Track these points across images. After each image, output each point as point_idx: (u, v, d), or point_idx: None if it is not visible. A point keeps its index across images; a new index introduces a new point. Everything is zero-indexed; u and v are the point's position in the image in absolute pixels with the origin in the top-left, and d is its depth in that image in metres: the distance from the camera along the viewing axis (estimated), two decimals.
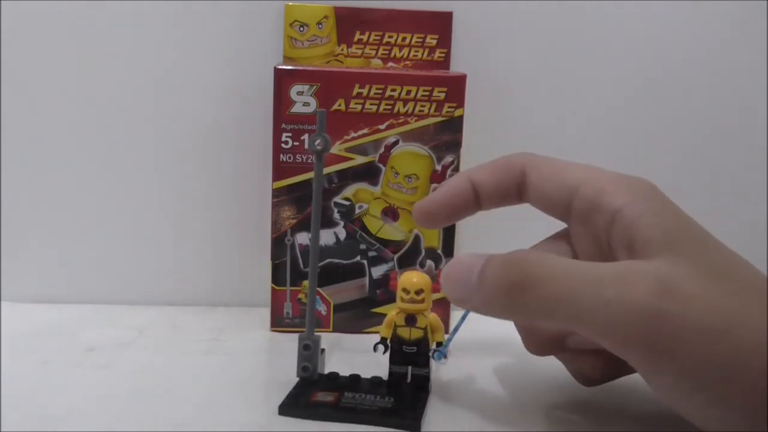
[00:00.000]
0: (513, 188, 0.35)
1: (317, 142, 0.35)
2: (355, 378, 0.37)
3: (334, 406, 0.34)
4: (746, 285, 0.28)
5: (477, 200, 0.36)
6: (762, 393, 0.26)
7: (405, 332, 0.36)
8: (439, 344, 0.36)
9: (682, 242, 0.29)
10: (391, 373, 0.36)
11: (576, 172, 0.33)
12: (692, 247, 0.29)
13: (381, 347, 0.36)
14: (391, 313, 0.36)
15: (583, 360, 0.35)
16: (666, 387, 0.28)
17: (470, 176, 0.36)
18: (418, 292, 0.35)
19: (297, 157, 0.43)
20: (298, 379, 0.36)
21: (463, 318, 0.35)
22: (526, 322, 0.34)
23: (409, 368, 0.36)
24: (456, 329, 0.36)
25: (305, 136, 0.43)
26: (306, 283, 0.44)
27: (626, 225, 0.30)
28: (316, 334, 0.36)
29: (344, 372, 0.37)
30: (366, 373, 0.37)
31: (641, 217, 0.30)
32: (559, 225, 0.36)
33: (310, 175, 0.43)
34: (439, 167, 0.44)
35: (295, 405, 0.34)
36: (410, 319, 0.35)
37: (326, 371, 0.37)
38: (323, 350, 0.37)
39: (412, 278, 0.35)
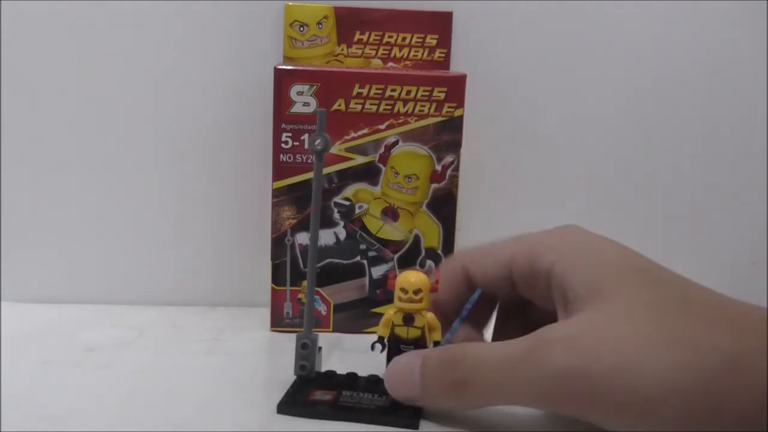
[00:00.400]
0: (463, 288, 0.37)
1: (317, 142, 0.35)
2: (352, 376, 0.37)
3: (332, 405, 0.34)
4: (676, 312, 0.29)
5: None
6: (695, 411, 0.27)
7: (402, 331, 0.35)
8: (436, 343, 0.36)
9: (604, 288, 0.31)
10: None
11: (506, 246, 0.36)
12: (615, 290, 0.30)
13: (378, 346, 0.36)
14: (389, 312, 0.36)
15: None
16: (618, 426, 0.29)
17: (433, 300, 0.37)
18: (416, 291, 0.35)
19: (297, 157, 0.43)
20: (295, 377, 0.36)
21: (461, 318, 0.35)
22: (473, 409, 0.35)
23: None
24: (453, 330, 0.36)
25: (305, 136, 0.43)
26: (306, 282, 0.44)
27: (558, 283, 0.32)
28: (313, 333, 0.36)
29: (342, 371, 0.37)
30: (365, 373, 0.37)
31: (567, 272, 0.32)
32: (554, 225, 0.36)
33: (310, 175, 0.43)
34: (439, 167, 0.44)
35: (293, 403, 0.34)
36: (408, 319, 0.35)
37: (324, 370, 0.37)
38: (320, 349, 0.37)
39: (410, 278, 0.35)
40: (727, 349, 0.27)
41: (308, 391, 0.35)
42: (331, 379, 0.37)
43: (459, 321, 0.36)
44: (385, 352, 0.36)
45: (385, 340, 0.36)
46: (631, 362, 0.28)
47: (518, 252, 0.35)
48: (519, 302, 0.37)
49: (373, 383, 0.36)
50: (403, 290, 0.35)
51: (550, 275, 0.33)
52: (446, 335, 0.36)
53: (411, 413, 0.34)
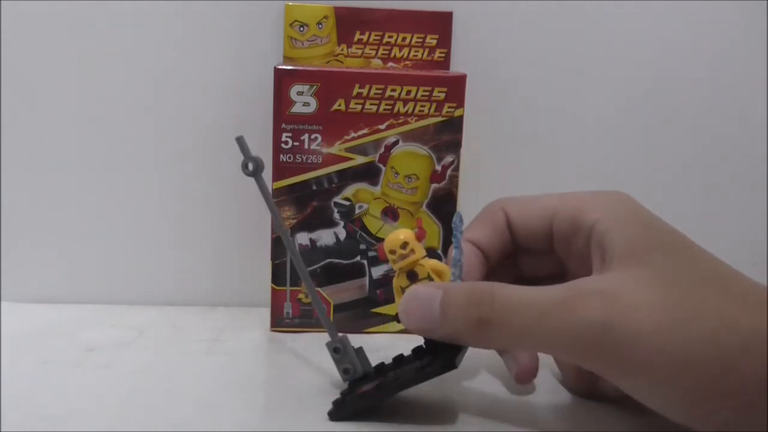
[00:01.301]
0: (505, 232, 0.37)
1: (249, 166, 0.35)
2: (398, 358, 0.36)
3: (376, 391, 0.33)
4: (707, 285, 0.30)
5: (486, 258, 0.37)
6: (712, 387, 0.27)
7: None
8: None
9: (643, 251, 0.31)
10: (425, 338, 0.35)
11: (551, 199, 0.36)
12: (653, 255, 0.31)
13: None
14: (394, 280, 0.35)
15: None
16: (633, 389, 0.30)
17: (468, 239, 0.37)
18: (403, 245, 0.34)
19: (297, 157, 0.43)
20: (346, 383, 0.36)
21: (457, 247, 0.34)
22: (492, 348, 0.35)
23: None
24: (457, 262, 0.34)
25: (305, 136, 0.43)
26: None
27: (599, 240, 0.32)
28: (340, 334, 0.36)
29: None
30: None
31: (610, 231, 0.32)
32: None
33: (310, 175, 0.44)
34: (439, 167, 0.44)
35: (342, 403, 0.34)
36: (411, 275, 0.35)
37: (326, 372, 0.37)
38: (360, 348, 0.36)
39: (392, 237, 0.35)
40: (749, 329, 0.27)
41: (357, 389, 0.34)
42: (379, 370, 0.35)
43: (457, 251, 0.34)
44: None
45: None
46: (661, 326, 0.28)
47: (563, 205, 0.35)
48: (540, 273, 0.37)
49: (417, 353, 0.35)
50: (392, 251, 0.34)
51: (591, 231, 0.33)
52: (453, 270, 0.35)
53: (447, 355, 0.33)
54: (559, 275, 0.36)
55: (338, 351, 0.35)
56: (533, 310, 0.30)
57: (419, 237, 0.35)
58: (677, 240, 0.32)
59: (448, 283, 0.34)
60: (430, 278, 0.35)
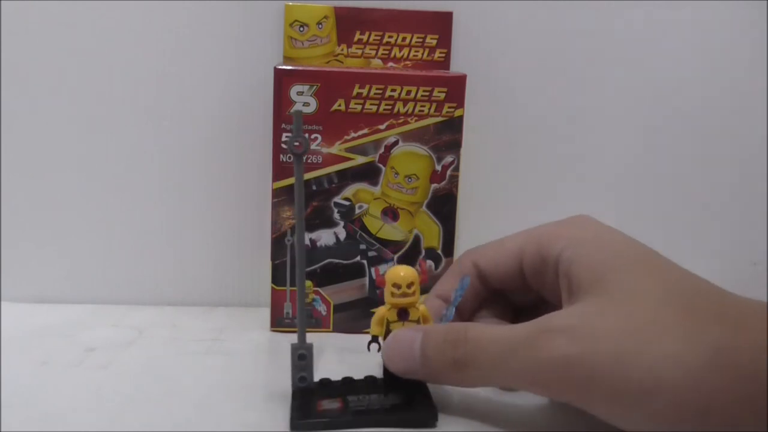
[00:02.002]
0: (476, 282, 0.38)
1: (296, 144, 0.34)
2: (348, 381, 0.36)
3: (345, 412, 0.33)
4: (671, 304, 0.30)
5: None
6: (682, 407, 0.27)
7: (398, 327, 0.35)
8: None
9: (607, 277, 0.31)
10: (386, 371, 0.36)
11: (517, 238, 0.36)
12: (617, 278, 0.31)
13: (375, 346, 0.36)
14: (380, 310, 0.36)
15: None
16: (608, 417, 0.30)
17: (438, 294, 0.39)
18: (409, 285, 0.35)
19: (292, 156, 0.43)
20: (293, 389, 0.35)
21: (454, 305, 0.35)
22: (471, 387, 0.36)
23: None
24: (449, 317, 0.35)
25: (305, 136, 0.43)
26: (308, 283, 0.44)
27: (565, 270, 0.33)
28: (308, 342, 0.35)
29: (343, 371, 0.37)
30: (361, 374, 0.36)
31: (574, 260, 0.33)
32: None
33: (310, 175, 0.43)
34: (439, 167, 0.44)
35: (305, 417, 0.33)
36: (403, 313, 0.35)
37: (325, 372, 0.37)
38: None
39: (400, 272, 0.35)
40: (714, 345, 0.27)
41: (314, 403, 0.34)
42: (328, 386, 0.36)
43: (453, 308, 0.36)
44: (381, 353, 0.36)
45: (380, 339, 0.36)
46: (627, 353, 0.28)
47: (528, 242, 0.36)
48: (528, 303, 0.38)
49: (372, 383, 0.36)
50: (396, 285, 0.35)
51: (558, 262, 0.33)
52: (442, 320, 0.36)
53: (427, 410, 0.33)
54: (543, 303, 0.37)
55: (303, 358, 0.35)
56: (502, 348, 0.31)
57: (422, 281, 0.36)
58: (641, 259, 0.32)
59: (428, 325, 0.35)
60: (419, 321, 0.35)
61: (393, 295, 0.35)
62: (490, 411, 0.35)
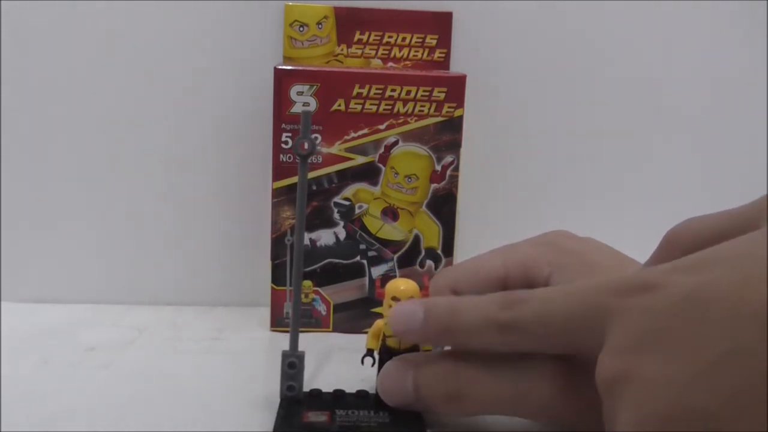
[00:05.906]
0: None
1: (304, 146, 0.33)
2: (339, 394, 0.35)
3: (330, 426, 0.32)
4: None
5: None
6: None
7: (395, 342, 0.34)
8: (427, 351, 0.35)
9: None
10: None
11: (496, 262, 0.36)
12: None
13: (369, 360, 0.35)
14: (378, 323, 0.35)
15: None
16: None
17: None
18: (409, 300, 0.34)
19: (297, 157, 0.43)
20: (281, 399, 0.34)
21: None
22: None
23: None
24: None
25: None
26: (308, 283, 0.44)
27: None
28: (300, 350, 0.35)
29: (343, 371, 0.37)
30: (362, 375, 0.36)
31: (563, 282, 0.33)
32: (553, 225, 0.36)
33: (310, 175, 0.43)
34: (439, 167, 0.44)
35: (289, 427, 0.32)
36: None
37: (324, 372, 0.37)
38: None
39: (400, 286, 0.34)
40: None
41: (300, 414, 0.33)
42: (318, 398, 0.34)
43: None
44: (376, 366, 0.34)
45: (375, 353, 0.35)
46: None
47: (512, 266, 0.35)
48: None
49: (363, 399, 0.35)
50: (396, 299, 0.33)
51: (548, 285, 0.33)
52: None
53: (414, 427, 0.32)
54: None
55: (293, 366, 0.34)
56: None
57: (423, 296, 0.34)
58: (622, 268, 0.33)
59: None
60: None
61: (391, 308, 0.33)
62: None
